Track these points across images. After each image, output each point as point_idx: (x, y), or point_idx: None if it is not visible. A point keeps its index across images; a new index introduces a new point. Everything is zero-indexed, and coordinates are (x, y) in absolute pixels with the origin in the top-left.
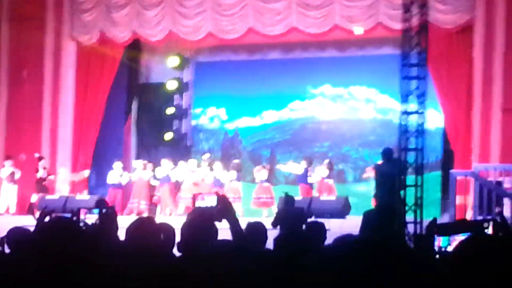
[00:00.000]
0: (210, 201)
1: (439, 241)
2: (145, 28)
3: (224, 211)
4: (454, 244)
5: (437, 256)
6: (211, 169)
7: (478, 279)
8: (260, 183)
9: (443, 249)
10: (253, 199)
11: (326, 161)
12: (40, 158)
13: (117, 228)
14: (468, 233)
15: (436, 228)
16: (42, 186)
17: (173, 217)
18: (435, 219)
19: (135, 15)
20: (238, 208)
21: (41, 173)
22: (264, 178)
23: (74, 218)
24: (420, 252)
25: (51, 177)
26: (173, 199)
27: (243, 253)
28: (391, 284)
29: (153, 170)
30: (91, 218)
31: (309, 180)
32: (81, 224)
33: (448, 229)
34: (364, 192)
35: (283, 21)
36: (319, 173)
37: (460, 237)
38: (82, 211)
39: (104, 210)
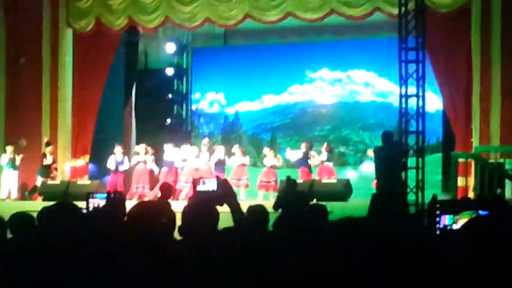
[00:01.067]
0: (210, 185)
1: (445, 220)
2: (141, 15)
3: (225, 195)
4: (460, 222)
5: (439, 233)
6: (211, 154)
7: (486, 258)
8: (267, 166)
9: (448, 227)
10: (258, 181)
11: (324, 144)
12: (48, 144)
13: (124, 213)
14: (472, 211)
15: (439, 206)
16: (48, 172)
17: (174, 201)
18: (435, 196)
19: (131, 1)
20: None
21: (49, 160)
22: (271, 162)
23: (86, 203)
24: (421, 229)
25: (55, 167)
26: (173, 183)
27: (244, 236)
28: (392, 265)
29: (154, 155)
30: (94, 203)
31: (310, 162)
32: (90, 208)
33: (452, 207)
34: (365, 175)
35: (279, 6)
36: (319, 157)
37: (465, 217)
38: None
39: (112, 195)
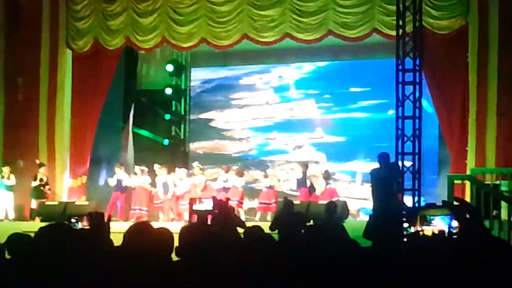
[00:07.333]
0: (206, 205)
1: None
2: (139, 35)
3: (222, 216)
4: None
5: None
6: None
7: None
8: (267, 187)
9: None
10: (258, 203)
11: (321, 171)
12: (41, 165)
13: (108, 232)
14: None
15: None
16: (40, 192)
17: (174, 222)
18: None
19: (130, 22)
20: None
21: (37, 182)
22: (270, 183)
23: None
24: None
25: (47, 187)
26: (172, 205)
27: (243, 258)
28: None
29: (150, 176)
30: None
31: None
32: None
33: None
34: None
35: (276, 27)
36: (320, 186)
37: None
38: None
39: (92, 215)
